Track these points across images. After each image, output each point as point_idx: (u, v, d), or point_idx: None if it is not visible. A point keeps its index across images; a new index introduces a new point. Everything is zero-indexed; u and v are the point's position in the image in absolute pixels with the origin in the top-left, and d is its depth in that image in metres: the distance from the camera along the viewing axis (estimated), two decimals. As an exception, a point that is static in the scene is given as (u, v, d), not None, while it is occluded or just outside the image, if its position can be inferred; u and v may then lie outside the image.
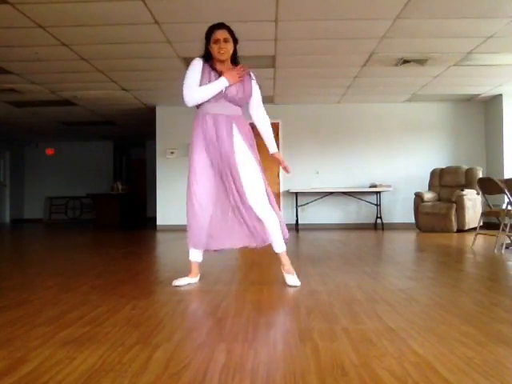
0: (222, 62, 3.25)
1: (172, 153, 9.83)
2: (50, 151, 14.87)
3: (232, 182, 3.21)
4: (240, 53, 3.39)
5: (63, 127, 12.10)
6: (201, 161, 3.24)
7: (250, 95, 3.31)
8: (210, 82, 3.21)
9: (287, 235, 3.32)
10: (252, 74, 3.36)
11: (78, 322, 2.28)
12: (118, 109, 10.03)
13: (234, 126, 3.23)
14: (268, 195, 3.27)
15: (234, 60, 3.32)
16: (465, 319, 2.29)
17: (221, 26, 3.22)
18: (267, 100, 9.31)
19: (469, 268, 4.38)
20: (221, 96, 3.22)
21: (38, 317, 2.41)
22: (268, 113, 3.44)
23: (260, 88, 3.43)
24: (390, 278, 3.60)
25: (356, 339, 1.97)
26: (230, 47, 3.22)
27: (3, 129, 12.17)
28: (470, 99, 9.49)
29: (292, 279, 3.25)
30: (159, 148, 9.91)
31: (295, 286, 3.19)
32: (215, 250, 3.37)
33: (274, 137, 3.47)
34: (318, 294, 2.92)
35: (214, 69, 3.24)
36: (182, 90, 3.26)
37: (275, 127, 9.64)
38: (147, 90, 8.43)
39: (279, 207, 9.78)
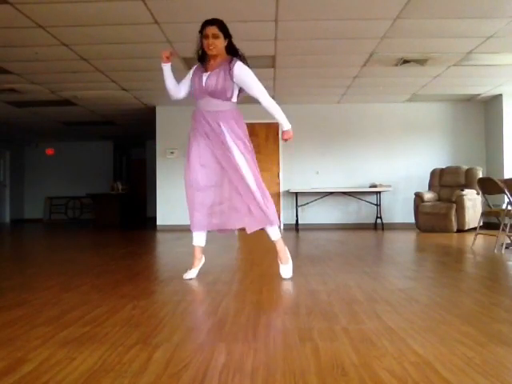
0: (212, 57, 3.37)
1: (172, 153, 9.83)
2: (49, 151, 14.87)
3: (229, 170, 3.38)
4: (240, 53, 3.41)
5: (63, 127, 12.10)
6: (193, 150, 3.45)
7: (229, 87, 3.32)
8: (197, 78, 3.40)
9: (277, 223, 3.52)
10: (235, 64, 3.30)
11: (78, 322, 2.28)
12: (117, 109, 10.03)
13: (220, 121, 3.36)
14: (260, 187, 3.45)
15: (233, 54, 3.38)
16: (465, 319, 2.29)
17: (212, 22, 3.33)
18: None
19: (469, 268, 4.38)
20: (203, 91, 3.36)
21: (38, 317, 2.41)
22: (268, 113, 3.44)
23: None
24: (390, 278, 3.60)
25: (356, 339, 1.97)
26: (218, 43, 3.31)
27: (3, 129, 12.17)
28: (470, 99, 9.49)
29: (283, 269, 3.47)
30: (159, 148, 9.91)
31: (286, 279, 3.40)
32: (218, 231, 3.56)
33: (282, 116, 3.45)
34: (318, 294, 2.92)
35: (203, 65, 3.43)
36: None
37: (275, 127, 9.66)
38: (147, 90, 8.43)
39: (279, 207, 9.80)
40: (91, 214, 12.93)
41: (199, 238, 3.54)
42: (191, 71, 3.55)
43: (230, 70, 3.30)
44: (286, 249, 3.54)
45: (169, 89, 3.61)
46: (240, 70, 3.32)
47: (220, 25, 3.32)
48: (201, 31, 3.34)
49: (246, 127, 3.47)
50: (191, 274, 3.53)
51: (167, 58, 3.50)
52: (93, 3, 4.86)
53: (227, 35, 3.35)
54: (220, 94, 3.33)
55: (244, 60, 3.38)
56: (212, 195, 3.44)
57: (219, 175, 3.44)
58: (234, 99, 3.42)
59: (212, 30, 3.29)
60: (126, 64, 6.89)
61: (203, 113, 3.39)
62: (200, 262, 3.61)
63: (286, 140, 3.52)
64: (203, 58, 3.44)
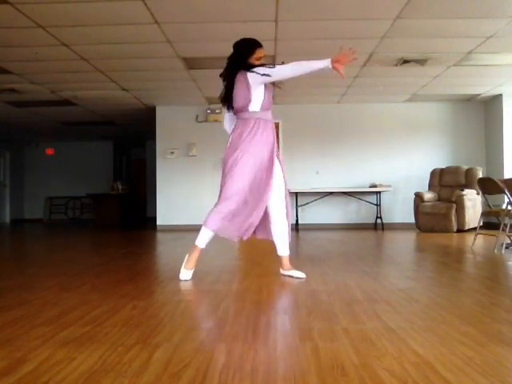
0: None
1: (172, 153, 9.83)
2: (49, 151, 14.86)
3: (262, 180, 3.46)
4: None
5: (63, 127, 12.10)
6: (252, 161, 3.50)
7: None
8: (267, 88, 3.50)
9: (290, 240, 3.58)
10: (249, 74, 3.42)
11: (78, 322, 2.28)
12: (117, 109, 10.02)
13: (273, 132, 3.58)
14: (286, 201, 3.54)
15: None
16: (465, 319, 2.29)
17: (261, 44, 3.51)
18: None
19: (469, 268, 4.38)
20: (271, 101, 3.54)
21: (38, 317, 2.41)
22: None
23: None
24: (390, 278, 3.60)
25: (356, 339, 1.97)
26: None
27: (3, 129, 12.17)
28: (470, 99, 9.49)
29: (298, 273, 3.53)
30: (159, 148, 9.91)
31: (302, 278, 3.47)
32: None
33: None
34: (318, 294, 2.92)
35: None
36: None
37: (275, 127, 9.65)
38: (147, 90, 8.43)
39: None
40: (91, 214, 12.92)
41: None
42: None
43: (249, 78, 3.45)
44: None
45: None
46: (253, 76, 3.45)
47: None
48: (253, 49, 3.46)
49: None
50: (190, 275, 3.50)
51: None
52: (93, 3, 4.85)
53: None
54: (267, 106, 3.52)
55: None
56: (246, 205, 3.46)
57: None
58: None
59: (264, 51, 3.54)
60: (126, 64, 6.89)
61: (268, 123, 3.52)
62: None
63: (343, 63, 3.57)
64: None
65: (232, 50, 3.52)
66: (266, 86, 3.45)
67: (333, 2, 4.94)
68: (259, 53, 3.46)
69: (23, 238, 9.33)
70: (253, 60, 3.43)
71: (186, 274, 3.47)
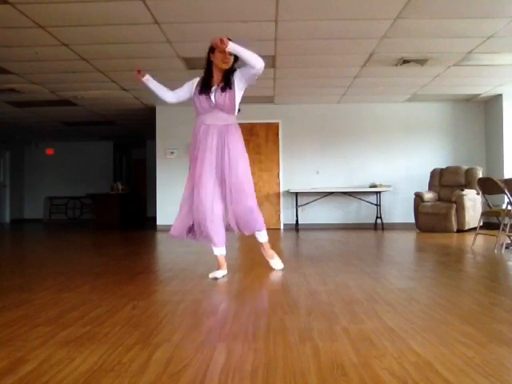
0: (220, 71, 3.53)
1: (172, 153, 9.83)
2: (49, 151, 14.86)
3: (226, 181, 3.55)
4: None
5: (63, 127, 12.10)
6: (204, 164, 3.54)
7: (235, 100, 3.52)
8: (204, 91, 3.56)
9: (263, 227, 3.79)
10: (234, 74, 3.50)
11: (78, 322, 2.28)
12: (117, 109, 10.02)
13: (226, 135, 3.53)
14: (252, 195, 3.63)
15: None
16: (465, 319, 2.29)
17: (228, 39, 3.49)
18: (267, 100, 9.31)
19: (469, 268, 4.38)
20: (212, 105, 3.51)
21: (38, 317, 2.41)
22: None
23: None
24: (390, 278, 3.60)
25: (356, 339, 1.97)
26: (230, 60, 3.46)
27: (3, 129, 12.17)
28: (470, 99, 9.49)
29: (275, 263, 3.92)
30: (159, 148, 9.91)
31: (280, 269, 3.85)
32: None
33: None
34: (318, 294, 2.92)
35: (208, 80, 3.61)
36: None
37: (275, 127, 9.66)
38: (147, 89, 8.41)
39: (279, 207, 9.82)
40: (91, 214, 12.93)
41: (218, 249, 3.69)
42: (193, 82, 3.67)
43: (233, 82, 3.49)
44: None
45: (165, 97, 3.91)
46: (237, 74, 3.51)
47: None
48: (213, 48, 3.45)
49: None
50: (218, 273, 3.62)
51: (138, 72, 3.75)
52: (93, 3, 4.85)
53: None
54: (228, 108, 3.50)
55: None
56: (221, 204, 3.58)
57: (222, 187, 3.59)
58: (236, 113, 3.61)
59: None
60: (126, 64, 6.88)
61: (210, 126, 3.53)
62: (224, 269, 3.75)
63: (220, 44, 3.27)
64: (210, 73, 3.55)
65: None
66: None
67: (333, 1, 4.94)
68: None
69: (23, 238, 9.33)
70: (215, 56, 3.50)
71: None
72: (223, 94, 3.47)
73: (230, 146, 3.49)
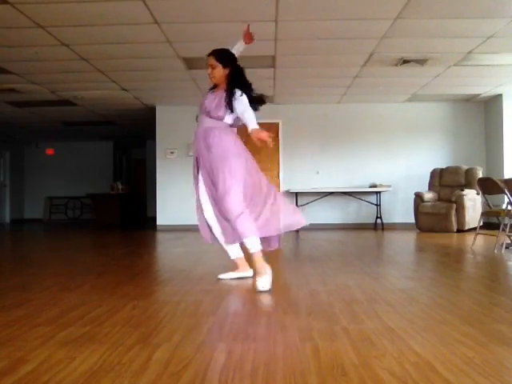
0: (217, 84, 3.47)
1: (172, 153, 9.83)
2: (49, 151, 14.86)
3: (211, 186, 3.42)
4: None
5: (63, 127, 12.10)
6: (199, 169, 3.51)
7: (222, 110, 3.35)
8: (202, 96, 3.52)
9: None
10: (236, 99, 3.32)
11: (78, 322, 2.28)
12: (117, 109, 10.02)
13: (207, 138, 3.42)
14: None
15: (235, 84, 3.36)
16: (465, 319, 2.29)
17: (210, 52, 3.45)
18: (267, 100, 9.29)
19: (469, 268, 4.38)
20: (202, 110, 3.49)
21: (38, 317, 2.41)
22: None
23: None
24: (389, 278, 3.60)
25: (356, 339, 1.97)
26: (216, 72, 3.39)
27: (3, 129, 12.16)
28: (470, 99, 9.49)
29: (260, 281, 3.07)
30: (159, 148, 9.91)
31: (264, 291, 3.01)
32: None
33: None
34: (318, 294, 2.92)
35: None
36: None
37: (275, 127, 9.65)
38: (147, 90, 8.42)
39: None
40: (91, 214, 12.92)
41: (233, 252, 3.57)
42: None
43: (230, 102, 3.31)
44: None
45: None
46: (239, 105, 3.32)
47: (217, 55, 3.40)
48: None
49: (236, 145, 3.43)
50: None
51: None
52: (93, 3, 4.85)
53: (227, 64, 3.39)
54: (213, 114, 3.39)
55: (249, 90, 3.39)
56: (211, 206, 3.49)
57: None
58: (228, 121, 3.42)
59: (210, 60, 3.40)
60: (126, 64, 6.88)
61: (199, 130, 3.50)
62: (245, 270, 3.60)
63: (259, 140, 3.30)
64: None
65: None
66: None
67: (333, 1, 4.94)
68: (207, 61, 3.46)
69: (23, 238, 9.33)
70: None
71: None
72: (215, 98, 3.38)
73: (213, 150, 3.36)
